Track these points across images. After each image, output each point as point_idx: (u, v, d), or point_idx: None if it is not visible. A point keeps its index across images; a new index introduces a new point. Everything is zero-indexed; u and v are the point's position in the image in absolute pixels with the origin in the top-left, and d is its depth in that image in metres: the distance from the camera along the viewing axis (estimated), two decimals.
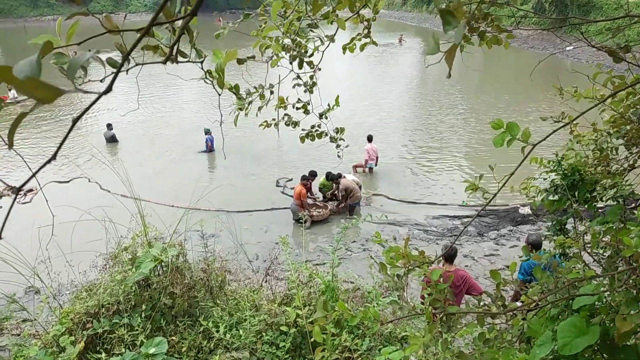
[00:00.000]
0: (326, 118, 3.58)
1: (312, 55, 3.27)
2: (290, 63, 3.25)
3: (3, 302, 4.75)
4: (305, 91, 3.35)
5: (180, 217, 4.90)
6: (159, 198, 11.17)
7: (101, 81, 1.22)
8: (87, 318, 4.07)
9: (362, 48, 3.31)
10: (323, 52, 3.15)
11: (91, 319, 4.06)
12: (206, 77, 2.03)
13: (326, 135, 3.70)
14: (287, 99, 3.32)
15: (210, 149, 15.49)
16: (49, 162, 0.82)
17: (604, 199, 3.06)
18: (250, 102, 3.09)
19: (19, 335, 4.45)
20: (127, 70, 0.94)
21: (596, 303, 2.17)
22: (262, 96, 3.18)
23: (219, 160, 14.71)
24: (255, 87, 3.17)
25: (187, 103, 22.09)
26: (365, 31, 3.37)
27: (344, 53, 3.32)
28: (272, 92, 3.19)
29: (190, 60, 1.59)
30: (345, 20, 3.03)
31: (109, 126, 16.33)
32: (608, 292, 2.14)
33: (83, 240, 5.15)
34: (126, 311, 4.13)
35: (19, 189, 0.81)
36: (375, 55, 34.82)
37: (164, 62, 1.08)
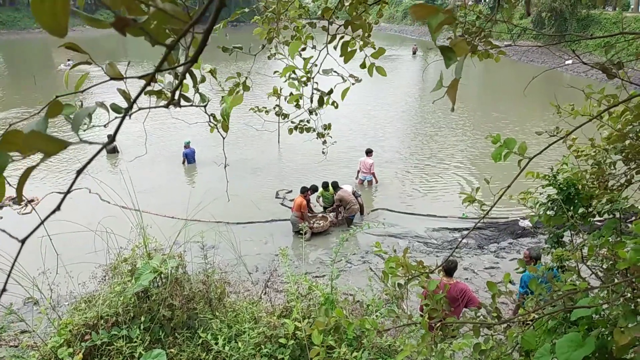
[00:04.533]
0: (316, 114, 3.67)
1: (331, 92, 3.33)
2: (311, 101, 3.33)
3: (1, 313, 4.74)
4: (300, 85, 3.41)
5: (180, 228, 4.91)
6: (159, 209, 11.17)
7: (105, 126, 1.25)
8: (86, 329, 4.07)
9: (361, 48, 3.32)
10: (346, 90, 3.16)
11: (90, 331, 4.05)
12: (210, 121, 2.07)
13: (314, 130, 3.83)
14: (280, 90, 3.40)
15: (185, 161, 15.74)
16: (49, 216, 0.84)
17: (600, 213, 3.08)
18: (230, 89, 3.15)
19: (17, 346, 4.44)
20: (130, 115, 0.97)
21: (594, 316, 2.18)
22: (244, 86, 3.23)
23: (218, 172, 14.74)
24: (237, 74, 3.23)
25: (190, 117, 22.21)
26: (366, 35, 3.42)
27: (370, 75, 3.32)
28: (247, 78, 3.26)
29: (194, 104, 1.62)
30: (344, 25, 3.07)
31: (110, 137, 16.40)
32: (606, 305, 2.16)
33: (83, 251, 5.16)
34: (125, 323, 4.13)
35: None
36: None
37: (167, 107, 1.11)
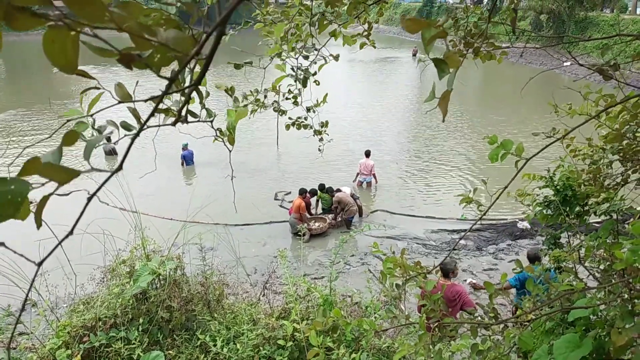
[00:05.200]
0: (313, 112, 3.72)
1: (315, 73, 3.37)
2: (295, 81, 3.36)
3: None
4: (295, 81, 3.45)
5: (179, 230, 4.91)
6: (157, 211, 11.17)
7: (115, 143, 1.28)
8: (84, 331, 4.06)
9: (361, 46, 3.40)
10: (322, 65, 3.24)
11: (88, 333, 4.04)
12: (217, 136, 2.10)
13: (311, 127, 3.87)
14: (279, 87, 3.44)
15: (184, 163, 15.80)
16: (64, 239, 0.89)
17: (597, 212, 3.09)
18: (245, 106, 3.19)
19: (15, 348, 4.43)
20: (139, 133, 1.01)
21: (591, 317, 2.18)
22: (258, 101, 3.27)
23: (217, 173, 14.75)
24: (250, 91, 3.27)
25: (196, 129, 22.10)
26: (365, 33, 3.46)
27: (335, 39, 3.39)
28: (265, 97, 3.31)
29: (200, 119, 1.66)
30: (345, 23, 3.12)
31: (109, 139, 16.32)
32: (603, 306, 2.16)
33: (81, 253, 5.15)
34: (123, 324, 4.12)
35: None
36: (372, 70, 35.11)
37: (174, 124, 1.15)
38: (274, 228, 11.72)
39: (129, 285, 4.27)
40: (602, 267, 2.62)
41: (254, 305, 4.93)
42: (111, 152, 16.28)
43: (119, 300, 4.22)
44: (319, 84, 3.50)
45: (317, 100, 3.68)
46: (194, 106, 1.53)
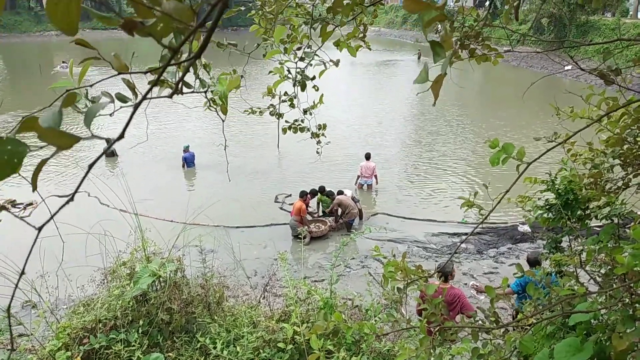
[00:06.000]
0: (310, 114, 3.70)
1: (314, 78, 3.36)
2: (294, 85, 3.36)
3: None
4: (294, 85, 3.44)
5: (179, 232, 4.91)
6: (158, 213, 11.17)
7: (110, 115, 1.27)
8: (84, 333, 4.06)
9: (357, 48, 3.38)
10: (322, 72, 3.23)
11: (88, 334, 4.04)
12: (210, 105, 2.10)
13: (308, 130, 3.85)
14: (275, 90, 3.43)
15: (184, 165, 15.70)
16: (67, 202, 0.89)
17: (598, 216, 3.09)
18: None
19: (15, 350, 4.43)
20: (139, 104, 1.00)
21: (592, 321, 2.18)
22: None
23: (218, 176, 14.75)
24: (232, 71, 3.26)
25: (191, 118, 22.15)
26: (361, 35, 3.45)
27: (340, 50, 3.37)
28: (242, 76, 3.30)
29: (195, 90, 1.66)
30: (344, 25, 3.12)
31: (108, 140, 16.36)
32: (604, 310, 2.16)
33: (82, 255, 5.15)
34: (123, 326, 4.12)
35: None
36: (373, 73, 35.16)
37: (170, 97, 1.15)
38: (274, 230, 11.71)
39: (129, 287, 4.27)
40: (603, 271, 2.62)
41: (254, 307, 4.92)
42: (111, 154, 16.31)
43: (119, 302, 4.22)
44: (317, 89, 3.49)
45: (313, 102, 3.67)
46: (187, 76, 1.54)
